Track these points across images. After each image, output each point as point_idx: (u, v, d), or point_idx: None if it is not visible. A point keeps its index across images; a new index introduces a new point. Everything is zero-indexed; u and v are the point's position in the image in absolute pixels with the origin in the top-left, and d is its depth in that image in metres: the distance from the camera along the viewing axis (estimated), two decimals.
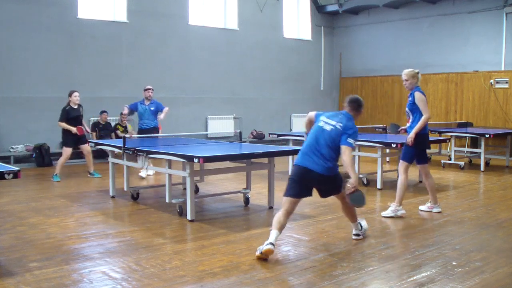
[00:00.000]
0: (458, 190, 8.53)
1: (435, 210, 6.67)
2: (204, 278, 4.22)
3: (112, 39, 12.39)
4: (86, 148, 9.56)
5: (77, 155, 11.93)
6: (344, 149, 4.86)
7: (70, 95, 9.38)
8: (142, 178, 9.48)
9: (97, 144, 8.26)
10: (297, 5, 16.40)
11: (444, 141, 10.42)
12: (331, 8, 16.21)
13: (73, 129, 9.20)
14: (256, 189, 8.00)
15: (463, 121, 13.35)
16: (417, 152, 6.44)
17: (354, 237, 5.36)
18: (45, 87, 11.45)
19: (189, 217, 6.15)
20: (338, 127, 4.94)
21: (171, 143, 7.77)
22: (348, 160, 4.84)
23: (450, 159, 11.16)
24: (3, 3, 10.92)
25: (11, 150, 11.02)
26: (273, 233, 4.74)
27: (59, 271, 4.38)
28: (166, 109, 9.55)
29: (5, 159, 10.13)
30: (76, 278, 4.22)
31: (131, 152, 6.85)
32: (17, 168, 4.60)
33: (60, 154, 11.73)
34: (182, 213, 6.38)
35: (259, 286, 4.06)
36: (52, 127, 11.30)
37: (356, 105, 5.14)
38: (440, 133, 11.16)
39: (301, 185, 4.92)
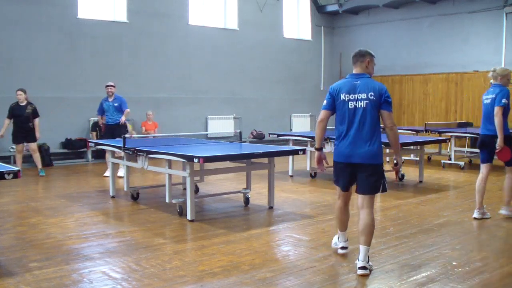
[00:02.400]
0: (458, 190, 8.52)
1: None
2: (204, 278, 4.22)
3: (112, 39, 12.40)
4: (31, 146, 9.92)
5: (78, 155, 11.96)
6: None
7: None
8: (121, 177, 8.93)
9: (97, 144, 8.26)
10: (297, 5, 16.41)
11: (444, 141, 10.42)
12: (331, 8, 16.22)
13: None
14: (256, 189, 8.00)
15: (463, 121, 13.35)
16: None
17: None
18: (45, 87, 11.45)
19: (189, 217, 6.15)
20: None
21: (171, 143, 7.77)
22: None
23: (450, 159, 11.16)
24: (3, 3, 10.92)
25: (11, 150, 11.01)
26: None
27: (59, 271, 4.38)
28: (126, 110, 9.62)
29: (5, 159, 10.14)
30: (76, 278, 4.22)
31: (131, 152, 6.85)
32: (17, 168, 4.60)
33: (61, 154, 11.80)
34: (182, 213, 6.38)
35: (259, 286, 4.06)
36: (52, 127, 11.32)
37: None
38: (440, 133, 11.16)
39: None
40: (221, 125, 14.19)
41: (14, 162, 9.99)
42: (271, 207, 6.93)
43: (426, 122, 12.54)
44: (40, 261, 4.62)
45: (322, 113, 4.72)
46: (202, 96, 14.00)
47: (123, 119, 9.55)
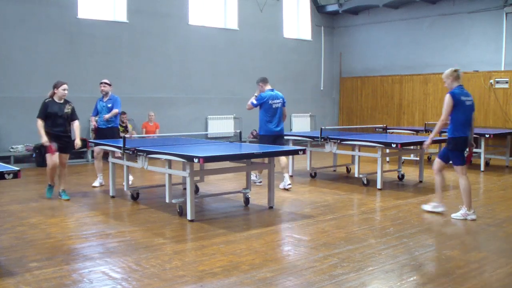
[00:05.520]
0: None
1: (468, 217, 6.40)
2: (204, 278, 4.22)
3: (112, 39, 12.40)
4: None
5: (77, 155, 11.96)
6: None
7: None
8: (95, 187, 8.61)
9: (96, 144, 8.25)
10: (297, 5, 16.40)
11: (444, 141, 10.39)
12: (331, 8, 16.22)
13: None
14: (256, 189, 8.00)
15: None
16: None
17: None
18: (45, 87, 11.33)
19: (189, 217, 6.15)
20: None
21: (171, 143, 7.77)
22: None
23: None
24: (3, 3, 10.92)
25: (11, 150, 11.02)
26: None
27: (59, 271, 4.38)
28: (114, 110, 8.61)
29: (5, 159, 10.14)
30: (76, 278, 4.22)
31: (131, 152, 6.85)
32: (17, 168, 4.60)
33: None
34: (182, 213, 6.38)
35: (259, 286, 4.06)
36: None
37: None
38: (440, 133, 11.14)
39: None
40: (221, 125, 14.18)
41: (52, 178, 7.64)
42: (271, 207, 6.93)
43: (426, 122, 12.54)
44: (40, 261, 4.62)
45: (249, 105, 8.60)
46: (202, 96, 14.00)
47: (106, 116, 8.56)
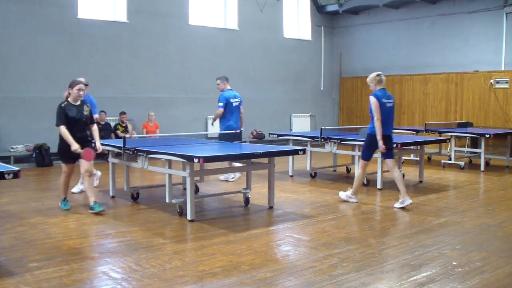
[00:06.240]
0: (458, 190, 8.52)
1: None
2: (204, 278, 4.22)
3: (112, 39, 12.40)
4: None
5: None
6: None
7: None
8: (74, 193, 7.99)
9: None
10: (297, 5, 16.40)
11: (444, 141, 10.42)
12: (331, 8, 16.22)
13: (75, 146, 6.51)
14: (256, 189, 8.00)
15: (463, 121, 13.35)
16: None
17: None
18: (45, 87, 11.44)
19: (189, 217, 6.15)
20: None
21: (171, 143, 7.77)
22: None
23: (450, 159, 11.15)
24: (3, 3, 10.92)
25: (11, 150, 11.02)
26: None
27: (59, 271, 4.37)
28: (94, 116, 7.49)
29: (5, 159, 10.13)
30: (76, 278, 4.22)
31: (131, 152, 6.85)
32: (17, 168, 4.60)
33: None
34: (182, 213, 6.38)
35: (259, 286, 4.06)
36: (52, 127, 11.28)
37: None
38: (440, 133, 11.16)
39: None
40: None
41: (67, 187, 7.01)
42: (271, 207, 6.93)
43: (426, 122, 12.54)
44: (40, 261, 4.62)
45: (220, 110, 8.92)
46: (202, 96, 13.99)
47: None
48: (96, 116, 7.88)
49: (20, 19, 11.09)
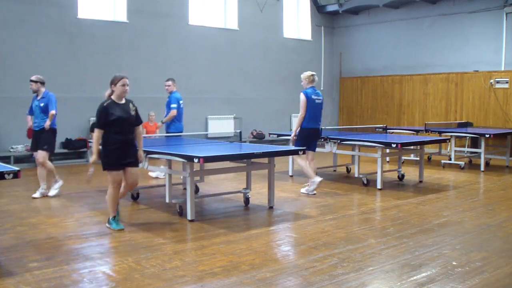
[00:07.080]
0: (458, 190, 8.52)
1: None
2: (204, 278, 4.22)
3: (112, 39, 12.39)
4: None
5: (78, 155, 11.95)
6: None
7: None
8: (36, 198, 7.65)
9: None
10: (297, 5, 16.40)
11: (444, 141, 10.42)
12: (331, 8, 16.22)
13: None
14: (256, 189, 8.00)
15: (463, 121, 13.36)
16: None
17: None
18: (45, 87, 11.41)
19: (189, 217, 6.15)
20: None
21: (171, 143, 7.77)
22: None
23: (450, 159, 11.15)
24: (3, 3, 10.92)
25: (11, 150, 11.02)
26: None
27: (59, 271, 4.37)
28: (51, 112, 7.47)
29: (5, 159, 10.13)
30: (76, 278, 4.22)
31: None
32: (17, 168, 4.59)
33: (61, 154, 11.79)
34: (182, 213, 6.38)
35: (259, 286, 4.06)
36: None
37: None
38: (440, 133, 11.16)
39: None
40: (221, 125, 14.18)
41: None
42: (271, 207, 6.93)
43: (426, 122, 12.54)
44: (40, 261, 4.62)
45: (174, 111, 9.21)
46: (202, 96, 14.00)
47: (47, 123, 7.44)
48: (52, 112, 7.47)
49: (20, 19, 11.09)
